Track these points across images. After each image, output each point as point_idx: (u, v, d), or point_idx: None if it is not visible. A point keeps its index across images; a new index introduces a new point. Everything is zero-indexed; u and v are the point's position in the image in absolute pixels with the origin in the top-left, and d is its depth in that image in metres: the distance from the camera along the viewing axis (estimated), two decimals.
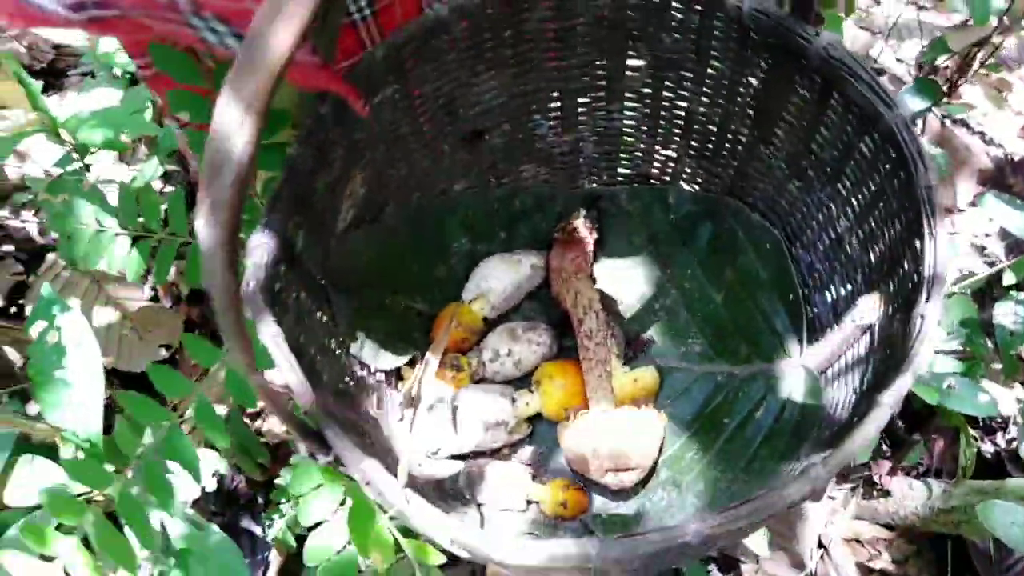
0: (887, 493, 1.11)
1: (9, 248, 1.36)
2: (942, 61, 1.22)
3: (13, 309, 1.28)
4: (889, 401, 0.37)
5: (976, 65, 1.06)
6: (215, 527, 0.86)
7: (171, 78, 0.54)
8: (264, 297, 0.46)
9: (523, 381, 0.66)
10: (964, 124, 1.35)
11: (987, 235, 1.25)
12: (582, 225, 0.68)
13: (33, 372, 0.76)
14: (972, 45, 0.98)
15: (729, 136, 0.63)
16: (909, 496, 1.08)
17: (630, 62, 0.63)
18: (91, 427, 0.75)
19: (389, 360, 0.63)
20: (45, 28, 0.45)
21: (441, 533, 0.38)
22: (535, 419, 0.65)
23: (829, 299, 0.57)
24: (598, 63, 0.63)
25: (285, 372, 0.42)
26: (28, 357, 0.81)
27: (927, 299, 0.40)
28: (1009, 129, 1.36)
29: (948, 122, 1.33)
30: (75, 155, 1.01)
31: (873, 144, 0.48)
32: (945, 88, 1.34)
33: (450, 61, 0.60)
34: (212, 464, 0.93)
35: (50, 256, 1.33)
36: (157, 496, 0.65)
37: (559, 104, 0.67)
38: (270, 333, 0.43)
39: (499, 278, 0.67)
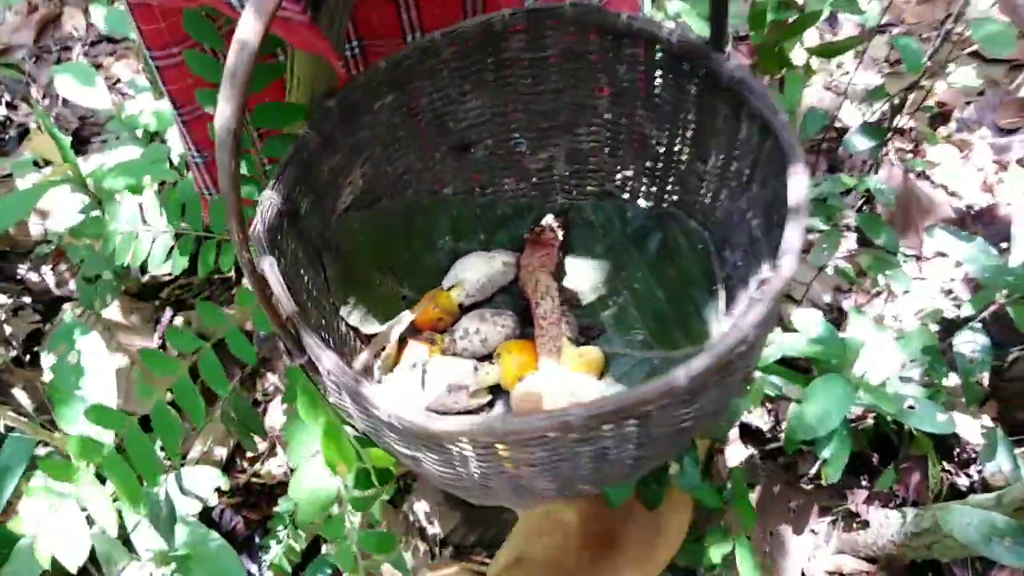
0: (866, 524, 1.16)
1: (27, 300, 1.50)
2: (906, 123, 1.34)
3: (28, 357, 1.40)
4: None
5: (908, 106, 1.18)
6: (215, 534, 0.93)
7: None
8: (266, 238, 0.57)
9: (489, 359, 0.76)
10: (927, 178, 1.46)
11: (952, 280, 1.34)
12: (550, 228, 0.79)
13: (53, 389, 0.84)
14: (905, 89, 1.10)
15: (674, 157, 0.74)
16: (886, 525, 1.13)
17: (593, 90, 0.75)
18: (105, 441, 0.81)
19: (374, 326, 0.73)
20: None
21: (382, 406, 0.47)
22: (495, 392, 0.75)
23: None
24: (566, 90, 0.75)
25: (274, 287, 0.53)
26: (41, 398, 0.90)
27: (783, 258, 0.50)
28: (972, 183, 1.47)
29: (912, 176, 1.44)
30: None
31: (770, 149, 0.59)
32: (911, 147, 1.46)
33: (441, 79, 0.72)
34: (214, 480, 1.01)
35: (66, 306, 1.47)
36: (166, 440, 0.75)
37: (534, 125, 0.79)
38: (267, 260, 0.54)
39: (475, 270, 0.78)
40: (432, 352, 0.75)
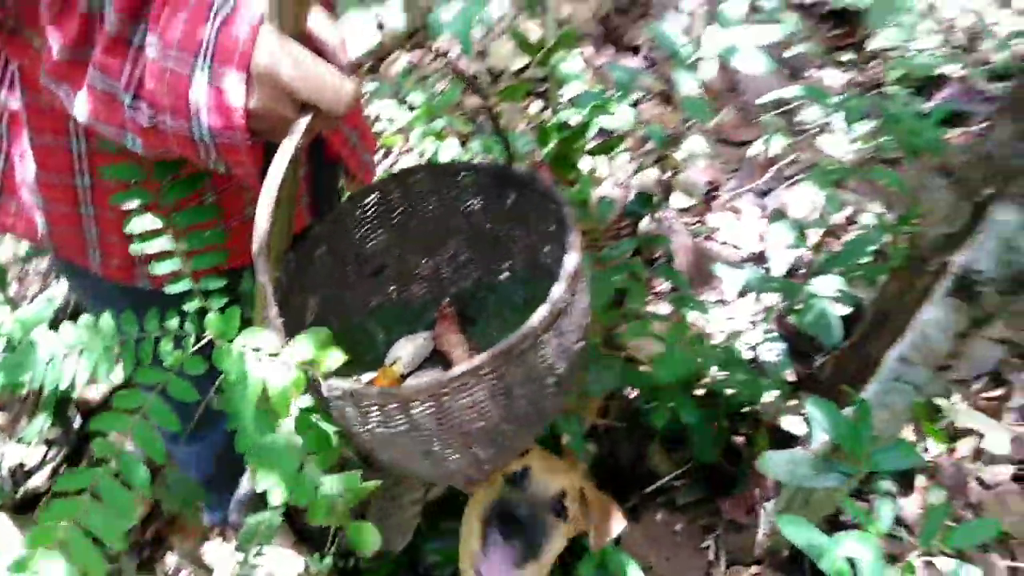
0: (741, 528, 1.45)
1: None
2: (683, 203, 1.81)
3: None
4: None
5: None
6: None
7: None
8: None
9: None
10: (713, 239, 1.94)
11: (759, 314, 1.76)
12: (447, 305, 1.15)
13: None
14: (655, 161, 1.53)
15: (522, 239, 1.13)
16: (756, 523, 1.42)
17: (457, 213, 1.14)
18: None
19: None
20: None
21: (366, 390, 0.79)
22: None
23: None
24: (440, 217, 1.14)
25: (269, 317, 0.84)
26: None
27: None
28: (748, 236, 1.95)
29: (700, 239, 1.92)
30: None
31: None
32: (695, 219, 1.95)
33: (354, 230, 1.10)
34: None
35: None
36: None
37: (425, 246, 1.17)
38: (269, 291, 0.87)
39: (406, 349, 1.13)
40: None
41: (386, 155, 2.46)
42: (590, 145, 1.62)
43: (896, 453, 1.05)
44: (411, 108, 2.38)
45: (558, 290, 0.83)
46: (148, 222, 0.97)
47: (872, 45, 2.58)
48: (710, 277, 2.04)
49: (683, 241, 2.09)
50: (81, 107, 0.79)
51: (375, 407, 0.81)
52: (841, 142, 2.05)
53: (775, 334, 1.62)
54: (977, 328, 1.11)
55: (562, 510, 1.11)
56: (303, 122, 0.75)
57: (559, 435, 1.43)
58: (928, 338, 1.14)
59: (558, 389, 0.90)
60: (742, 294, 2.08)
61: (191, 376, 0.91)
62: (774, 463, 1.20)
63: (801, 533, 0.97)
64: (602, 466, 1.62)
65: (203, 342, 1.03)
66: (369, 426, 0.85)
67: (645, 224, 2.11)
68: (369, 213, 1.11)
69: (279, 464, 0.82)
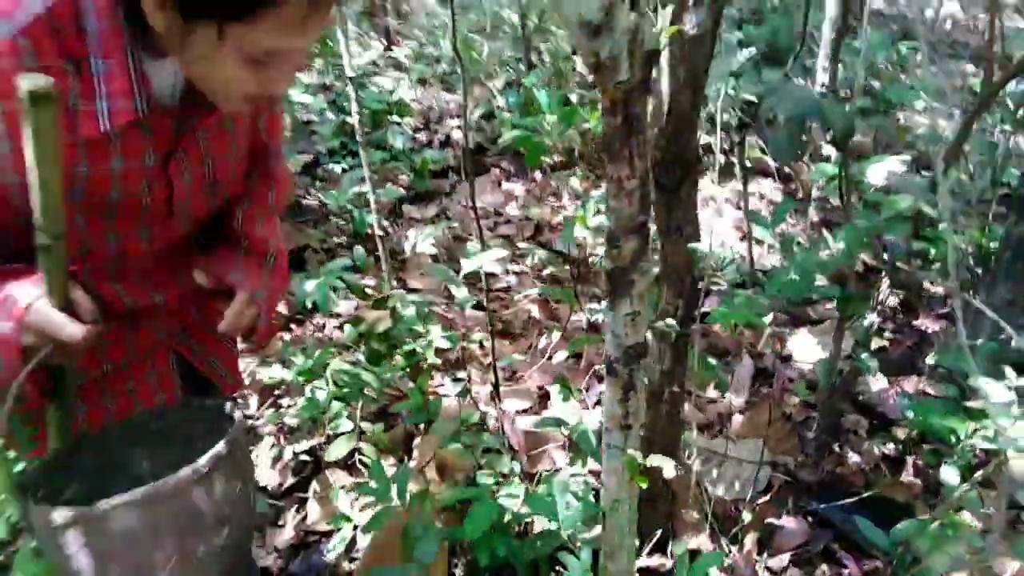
0: None
1: None
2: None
3: None
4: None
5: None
6: None
7: None
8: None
9: None
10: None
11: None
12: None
13: None
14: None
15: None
16: None
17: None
18: None
19: None
20: None
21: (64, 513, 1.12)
22: None
23: None
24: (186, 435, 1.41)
25: None
26: None
27: None
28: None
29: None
30: None
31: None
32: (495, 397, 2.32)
33: (120, 442, 1.38)
34: None
35: None
36: None
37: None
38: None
39: None
40: None
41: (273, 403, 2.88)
42: None
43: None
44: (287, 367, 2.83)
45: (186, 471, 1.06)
46: None
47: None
48: (543, 455, 2.40)
49: (516, 431, 2.47)
50: None
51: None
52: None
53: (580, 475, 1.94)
54: (630, 392, 1.47)
55: None
56: (46, 348, 1.12)
57: None
58: (608, 407, 1.52)
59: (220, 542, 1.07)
60: (571, 463, 2.42)
61: None
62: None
63: None
64: None
65: None
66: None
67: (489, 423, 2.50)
68: (129, 432, 1.35)
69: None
